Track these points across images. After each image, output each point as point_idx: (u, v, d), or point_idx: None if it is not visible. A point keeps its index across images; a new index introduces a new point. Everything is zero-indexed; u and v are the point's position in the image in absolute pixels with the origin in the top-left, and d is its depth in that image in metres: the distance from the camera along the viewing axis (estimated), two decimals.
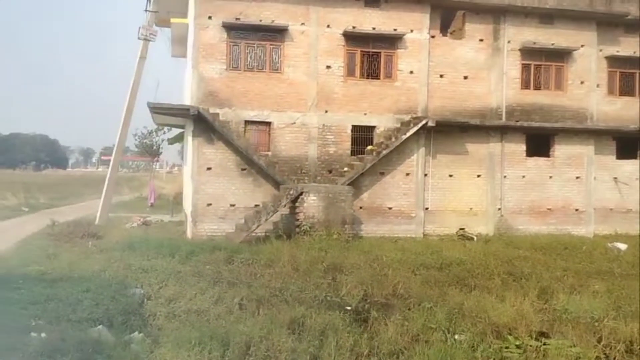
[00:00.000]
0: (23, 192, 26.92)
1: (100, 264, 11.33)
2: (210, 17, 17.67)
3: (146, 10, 18.63)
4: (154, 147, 32.84)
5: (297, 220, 16.86)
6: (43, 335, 6.82)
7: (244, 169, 17.86)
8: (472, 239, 18.31)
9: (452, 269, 12.85)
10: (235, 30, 17.89)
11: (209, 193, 17.68)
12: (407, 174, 18.99)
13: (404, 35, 18.83)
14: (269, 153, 18.09)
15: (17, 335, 6.74)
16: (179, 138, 30.42)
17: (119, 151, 18.68)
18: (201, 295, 9.53)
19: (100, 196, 36.12)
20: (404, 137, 18.22)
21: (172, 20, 18.06)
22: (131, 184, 54.95)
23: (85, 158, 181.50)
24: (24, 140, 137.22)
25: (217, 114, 17.41)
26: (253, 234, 16.73)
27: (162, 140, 33.41)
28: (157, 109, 17.31)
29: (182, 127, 24.04)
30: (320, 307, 9.40)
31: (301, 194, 16.82)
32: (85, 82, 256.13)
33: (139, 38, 18.40)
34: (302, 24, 18.35)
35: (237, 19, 17.77)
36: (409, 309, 9.40)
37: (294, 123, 18.32)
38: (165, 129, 32.71)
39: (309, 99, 18.40)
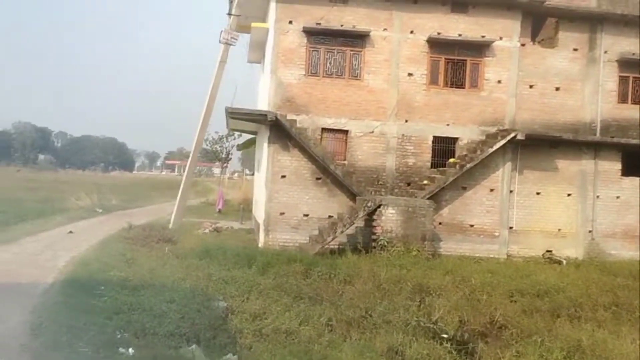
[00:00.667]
0: (96, 194, 27.37)
1: (180, 272, 10.93)
2: (290, 22, 17.27)
3: (229, 14, 18.45)
4: (224, 153, 32.76)
5: (374, 234, 16.08)
6: (131, 351, 6.34)
7: (319, 178, 17.28)
8: (561, 262, 16.95)
9: (551, 297, 11.69)
10: (316, 35, 17.40)
11: (282, 201, 17.19)
12: (491, 190, 17.85)
13: (492, 42, 17.79)
14: (345, 162, 17.42)
15: (105, 349, 6.29)
16: (249, 144, 30.33)
17: (195, 155, 18.49)
18: (286, 312, 8.92)
19: (167, 200, 36.83)
20: (490, 150, 17.14)
21: (253, 24, 17.77)
22: (195, 189, 55.88)
23: (150, 162, 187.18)
24: (94, 143, 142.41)
25: (295, 121, 16.92)
26: (327, 246, 16.07)
27: (232, 147, 33.36)
28: (234, 114, 17.00)
29: (254, 133, 23.80)
30: (415, 333, 8.61)
31: (379, 206, 16.04)
32: (151, 87, 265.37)
33: (220, 42, 18.22)
34: (385, 29, 17.65)
35: (317, 23, 17.29)
36: (516, 342, 8.46)
37: (372, 132, 17.59)
38: (236, 134, 32.69)
39: (389, 108, 17.63)
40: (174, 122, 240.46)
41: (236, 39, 18.46)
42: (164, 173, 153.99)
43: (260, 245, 17.07)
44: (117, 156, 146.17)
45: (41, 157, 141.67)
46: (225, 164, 36.47)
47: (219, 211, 27.04)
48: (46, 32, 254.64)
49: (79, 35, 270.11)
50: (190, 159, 18.19)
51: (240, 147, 31.48)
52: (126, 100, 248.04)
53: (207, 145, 34.93)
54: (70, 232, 16.39)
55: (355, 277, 12.79)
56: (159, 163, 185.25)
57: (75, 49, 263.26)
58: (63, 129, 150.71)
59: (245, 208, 28.86)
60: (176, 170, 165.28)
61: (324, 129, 17.55)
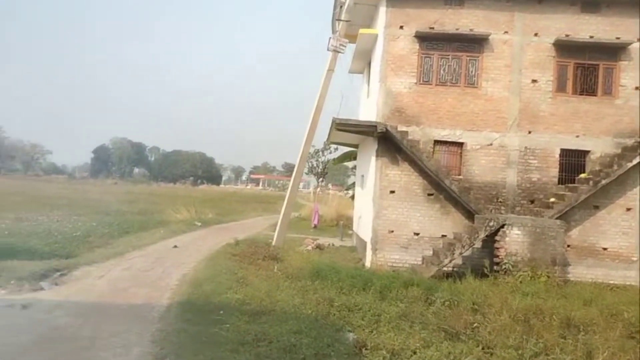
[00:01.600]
0: (193, 207, 27.46)
1: (297, 296, 10.01)
2: (401, 27, 16.20)
3: (338, 20, 17.67)
4: (320, 167, 32.01)
5: (496, 256, 14.51)
6: None
7: (431, 194, 15.97)
8: None
9: None
10: (428, 40, 16.21)
11: (391, 219, 16.01)
12: (628, 209, 15.75)
13: (629, 44, 15.82)
14: (461, 177, 16.00)
15: None
16: (344, 158, 29.50)
17: (301, 169, 17.72)
18: (426, 349, 7.70)
19: (259, 214, 36.69)
20: (629, 164, 15.11)
21: (361, 30, 16.84)
22: (283, 203, 55.89)
23: (236, 176, 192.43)
24: (185, 157, 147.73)
25: (406, 132, 15.77)
26: (441, 269, 14.69)
27: (328, 161, 32.54)
28: (341, 125, 16.08)
29: (354, 146, 22.86)
30: None
31: (502, 226, 14.47)
32: (237, 102, 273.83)
33: (328, 49, 17.46)
34: (505, 32, 16.16)
35: (430, 28, 16.12)
36: None
37: (491, 144, 16.07)
38: (332, 148, 31.92)
39: (510, 118, 16.06)
40: (259, 137, 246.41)
41: (345, 46, 17.61)
42: (249, 187, 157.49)
43: (367, 265, 15.97)
44: (205, 170, 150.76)
45: (136, 170, 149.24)
46: (321, 179, 35.53)
47: (315, 227, 26.26)
48: (141, 50, 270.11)
49: (169, 53, 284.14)
50: (294, 173, 17.40)
51: (336, 162, 30.71)
52: (214, 116, 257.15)
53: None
54: (175, 246, 16.07)
55: (484, 306, 11.36)
56: (244, 177, 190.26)
57: (165, 68, 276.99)
58: (156, 144, 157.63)
59: (338, 224, 27.95)
60: (261, 184, 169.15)
61: (436, 141, 16.26)
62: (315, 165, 37.16)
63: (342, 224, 23.70)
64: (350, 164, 32.52)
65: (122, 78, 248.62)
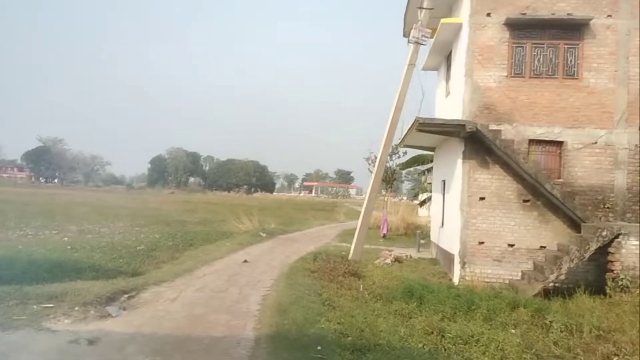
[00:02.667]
0: (255, 216, 26.39)
1: (398, 324, 8.52)
2: (488, 14, 14.53)
3: (420, 8, 16.11)
4: (389, 173, 30.13)
5: (611, 271, 12.57)
6: None
7: (527, 200, 14.19)
8: None
9: None
10: (520, 28, 14.47)
11: (481, 229, 14.31)
12: None
13: None
14: (561, 181, 14.14)
15: None
16: (412, 163, 27.85)
17: (379, 174, 16.10)
18: None
19: (321, 222, 35.34)
20: None
21: (443, 20, 15.22)
22: (340, 210, 54.43)
23: (289, 183, 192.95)
24: (238, 166, 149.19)
25: (499, 132, 14.06)
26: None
27: (396, 165, 30.81)
28: (425, 125, 14.51)
29: (430, 149, 21.20)
30: None
31: (617, 236, 12.53)
32: (291, 110, 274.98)
33: (409, 42, 15.91)
34: (609, 16, 14.23)
35: (522, 14, 14.38)
36: None
37: (595, 143, 14.14)
38: (400, 152, 30.23)
39: (617, 112, 14.10)
40: (312, 144, 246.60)
41: (427, 37, 16.00)
42: (302, 194, 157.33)
43: (454, 280, 14.32)
44: (259, 178, 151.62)
45: (191, 179, 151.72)
46: (389, 185, 33.77)
47: (384, 236, 24.69)
48: (194, 61, 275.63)
49: (221, 61, 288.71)
50: (373, 178, 15.77)
51: (403, 166, 29.02)
52: (266, 124, 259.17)
53: (369, 164, 32.48)
54: (245, 261, 14.89)
55: (610, 332, 9.58)
56: (296, 184, 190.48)
57: (217, 78, 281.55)
58: (210, 153, 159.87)
59: (410, 233, 26.31)
60: (314, 191, 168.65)
61: (531, 141, 14.47)
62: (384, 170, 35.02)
63: (419, 234, 21.98)
64: (411, 168, 30.79)
65: (176, 89, 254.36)
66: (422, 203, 32.32)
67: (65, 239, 19.50)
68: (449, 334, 7.99)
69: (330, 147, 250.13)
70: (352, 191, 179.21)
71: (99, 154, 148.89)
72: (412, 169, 31.98)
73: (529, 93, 14.44)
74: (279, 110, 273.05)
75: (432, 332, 8.04)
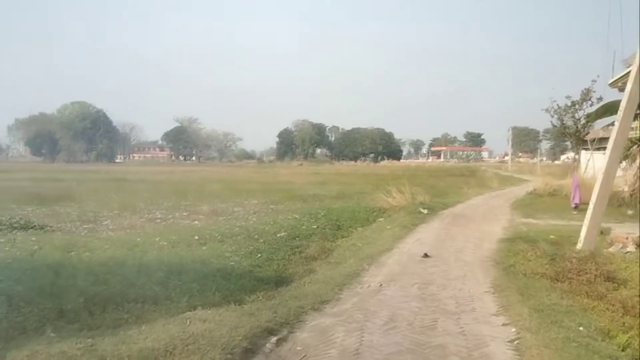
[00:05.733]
0: (406, 188, 21.99)
1: None
2: None
3: None
4: (579, 127, 23.79)
5: None
6: None
7: None
8: None
9: None
10: None
11: None
12: None
13: None
14: None
15: None
16: (605, 112, 21.65)
17: (626, 127, 10.65)
18: None
19: (480, 191, 30.05)
20: None
21: None
22: (484, 175, 48.39)
23: (415, 149, 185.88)
24: (364, 134, 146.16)
25: None
26: None
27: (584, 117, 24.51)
28: None
29: None
30: None
31: None
32: (414, 73, 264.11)
33: None
34: None
35: None
36: None
37: None
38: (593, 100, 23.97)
39: None
40: (436, 109, 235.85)
41: None
42: (429, 160, 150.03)
43: None
44: (385, 146, 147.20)
45: (318, 150, 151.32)
46: (580, 143, 27.23)
47: (576, 206, 19.12)
48: (319, 33, 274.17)
49: (351, 35, 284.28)
50: (615, 134, 10.36)
51: (592, 117, 22.84)
52: (390, 89, 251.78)
53: (553, 116, 26.16)
54: (426, 255, 10.64)
55: None
56: (424, 150, 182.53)
57: (339, 47, 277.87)
58: (335, 124, 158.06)
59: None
60: (442, 156, 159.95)
61: None
62: (568, 125, 27.81)
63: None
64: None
65: (300, 61, 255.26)
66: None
67: (196, 222, 16.85)
68: None
69: (459, 109, 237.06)
70: (484, 154, 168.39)
71: (231, 130, 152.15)
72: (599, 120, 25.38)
73: None
74: (403, 75, 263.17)
75: None
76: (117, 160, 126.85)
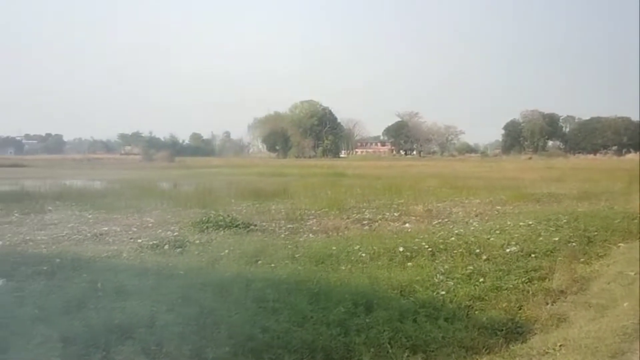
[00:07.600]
0: None
1: None
2: None
3: None
4: None
5: None
6: None
7: None
8: None
9: None
10: None
11: None
12: None
13: None
14: None
15: None
16: None
17: None
18: None
19: None
20: None
21: None
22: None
23: None
24: (605, 124, 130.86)
25: None
26: None
27: None
28: None
29: None
30: None
31: None
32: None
33: None
34: None
35: None
36: None
37: None
38: None
39: None
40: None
41: None
42: None
43: None
44: (631, 137, 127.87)
45: (549, 143, 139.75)
46: None
47: None
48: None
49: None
50: None
51: None
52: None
53: None
54: None
55: None
56: None
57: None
58: (571, 113, 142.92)
59: None
60: None
61: None
62: None
63: None
64: None
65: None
66: None
67: (407, 224, 14.66)
68: None
69: None
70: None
71: (453, 124, 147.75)
72: None
73: None
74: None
75: None
76: (341, 155, 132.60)
